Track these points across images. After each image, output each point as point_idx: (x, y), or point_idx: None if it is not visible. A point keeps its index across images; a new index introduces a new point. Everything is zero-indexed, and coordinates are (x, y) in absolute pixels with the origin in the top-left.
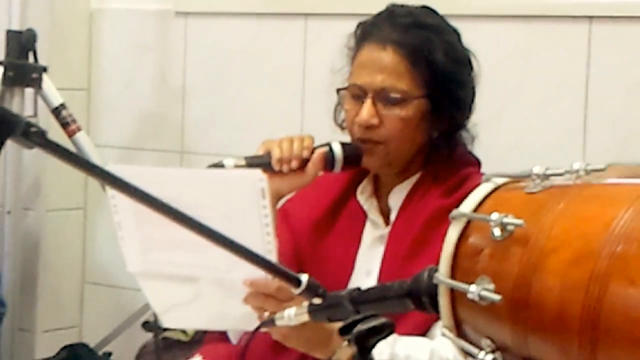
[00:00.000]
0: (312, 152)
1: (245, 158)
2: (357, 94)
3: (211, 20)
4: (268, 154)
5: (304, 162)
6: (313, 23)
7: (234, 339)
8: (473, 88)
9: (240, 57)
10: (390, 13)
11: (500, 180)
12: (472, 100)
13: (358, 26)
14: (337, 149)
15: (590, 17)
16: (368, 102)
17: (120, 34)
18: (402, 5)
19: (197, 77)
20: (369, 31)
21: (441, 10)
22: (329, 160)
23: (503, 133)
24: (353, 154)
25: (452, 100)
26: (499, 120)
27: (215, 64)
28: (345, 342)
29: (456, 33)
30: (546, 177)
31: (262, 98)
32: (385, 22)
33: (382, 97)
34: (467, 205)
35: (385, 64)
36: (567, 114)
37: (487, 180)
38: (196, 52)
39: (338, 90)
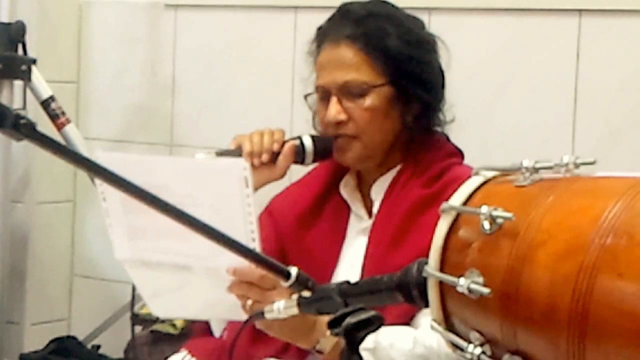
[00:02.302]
0: (283, 145)
1: (217, 152)
2: (323, 95)
3: (201, 13)
4: (239, 148)
5: (274, 156)
6: (303, 16)
7: (217, 331)
8: (439, 68)
9: (230, 49)
10: (342, 11)
11: (490, 174)
12: (442, 81)
13: (317, 31)
14: (308, 142)
15: (580, 11)
16: (333, 100)
17: (110, 27)
18: (353, 2)
19: (187, 69)
20: (324, 33)
21: (430, 4)
22: (299, 153)
23: (492, 127)
24: (323, 147)
25: (417, 83)
26: (489, 114)
27: (205, 56)
28: (328, 332)
29: (413, 19)
30: (535, 170)
31: (252, 91)
32: (338, 21)
33: (345, 92)
34: (457, 199)
35: (342, 60)
36: (557, 107)
37: (477, 173)
38: (186, 45)
39: (305, 97)
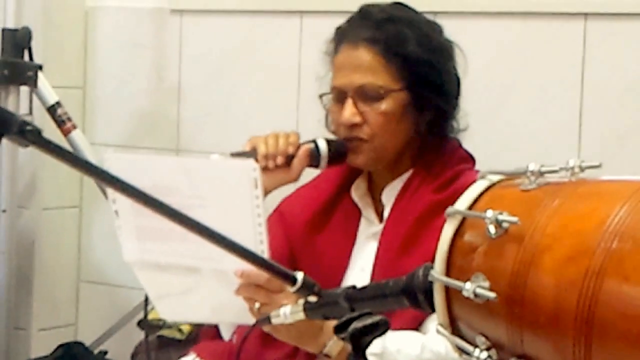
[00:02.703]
0: (298, 149)
1: (232, 154)
2: (339, 96)
3: (206, 18)
4: (254, 150)
5: (289, 159)
6: (309, 21)
7: (226, 335)
8: (456, 76)
9: (235, 54)
10: (362, 13)
11: (495, 178)
12: (458, 89)
13: (335, 31)
14: (322, 146)
15: (586, 14)
16: (349, 102)
17: (116, 32)
18: (373, 5)
19: (193, 75)
20: (343, 34)
21: (436, 8)
22: (314, 156)
23: (498, 130)
24: (338, 151)
25: (433, 90)
26: (494, 117)
27: (211, 61)
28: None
29: (432, 24)
30: (541, 174)
31: (258, 96)
32: (357, 23)
33: (361, 94)
34: (462, 203)
35: (360, 63)
36: (562, 111)
37: (482, 177)
38: (191, 50)
39: (320, 96)
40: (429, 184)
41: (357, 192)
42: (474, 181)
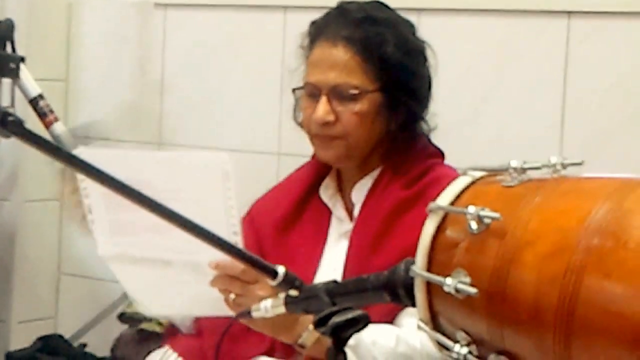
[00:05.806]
0: None
1: None
2: (312, 92)
3: (190, 12)
4: None
5: None
6: (292, 15)
7: (183, 329)
8: (429, 78)
9: (219, 49)
10: (341, 10)
11: (478, 174)
12: (429, 91)
13: (310, 25)
14: None
15: (569, 12)
16: (323, 100)
17: (99, 25)
18: (351, 2)
19: (176, 69)
20: (320, 29)
21: (418, 5)
22: None
23: (481, 128)
24: None
25: (407, 92)
26: (477, 115)
27: (194, 56)
28: (311, 327)
29: (408, 25)
30: (523, 170)
31: (241, 90)
32: (335, 19)
33: (336, 93)
34: (444, 198)
35: (337, 61)
36: (545, 109)
37: (465, 173)
38: (175, 44)
39: (294, 90)
40: (398, 180)
41: (327, 192)
42: (444, 175)
